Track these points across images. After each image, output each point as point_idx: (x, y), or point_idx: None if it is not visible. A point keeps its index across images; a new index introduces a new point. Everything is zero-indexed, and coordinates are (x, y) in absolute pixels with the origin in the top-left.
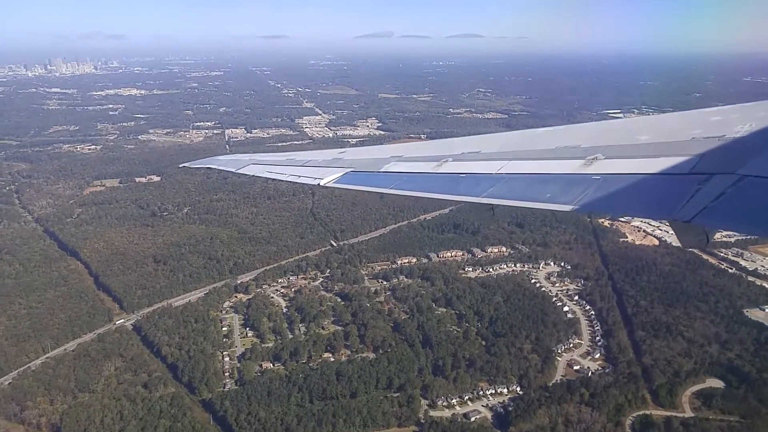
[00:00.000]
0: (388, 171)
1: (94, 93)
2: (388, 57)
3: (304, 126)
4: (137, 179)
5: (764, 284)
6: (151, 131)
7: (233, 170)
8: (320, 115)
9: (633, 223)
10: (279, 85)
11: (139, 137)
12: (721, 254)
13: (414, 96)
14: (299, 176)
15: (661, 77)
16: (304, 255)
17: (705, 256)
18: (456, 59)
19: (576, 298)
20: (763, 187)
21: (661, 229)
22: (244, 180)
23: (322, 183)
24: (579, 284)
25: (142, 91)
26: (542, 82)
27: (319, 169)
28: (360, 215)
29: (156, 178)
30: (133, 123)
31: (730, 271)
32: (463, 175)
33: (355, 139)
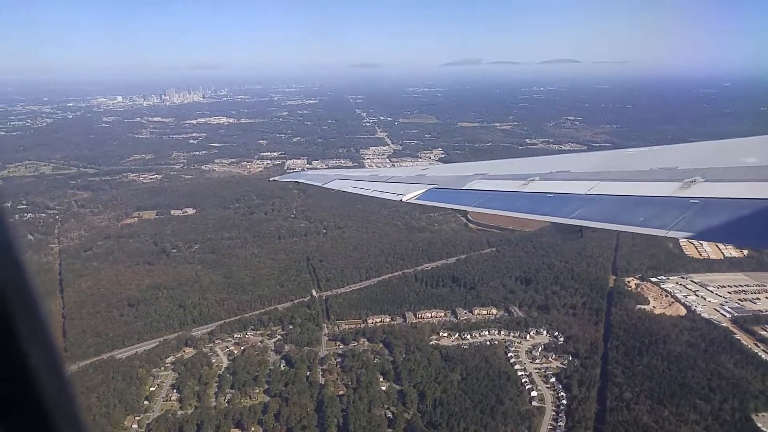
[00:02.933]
0: (471, 189)
1: (188, 121)
2: (485, 83)
3: (366, 157)
4: (173, 212)
5: None
6: (216, 161)
7: (320, 184)
8: (388, 145)
9: (665, 286)
10: (364, 114)
11: (203, 167)
12: (763, 332)
13: (496, 124)
14: (383, 192)
15: None
16: (274, 307)
17: (740, 334)
18: (557, 84)
19: (553, 380)
20: None
21: (697, 295)
22: (278, 214)
23: (404, 199)
24: (564, 362)
25: (231, 120)
26: (641, 110)
27: (402, 185)
28: (356, 261)
29: (191, 211)
30: (205, 152)
31: (762, 356)
32: (551, 195)
33: None
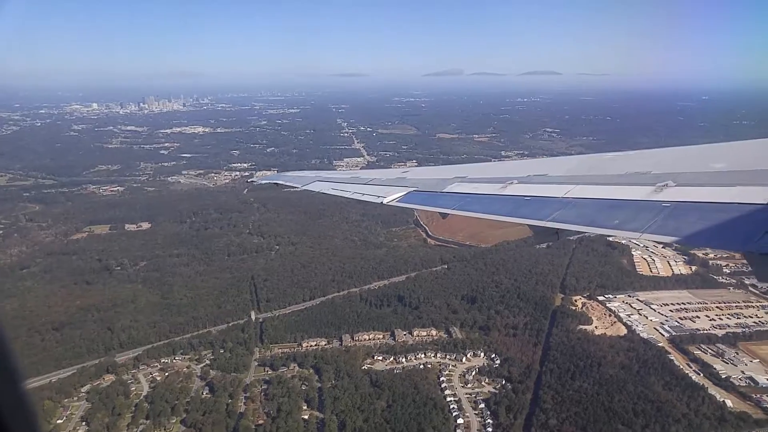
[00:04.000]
0: (451, 191)
1: (162, 131)
2: (470, 93)
3: (339, 169)
4: (127, 226)
5: (727, 401)
6: (184, 172)
7: (299, 186)
8: (363, 156)
9: (611, 305)
10: (344, 124)
11: (169, 178)
12: (698, 350)
13: (474, 136)
14: (363, 194)
15: (757, 116)
16: (208, 330)
17: (674, 354)
18: (541, 95)
19: (482, 406)
20: None
21: (640, 313)
22: (233, 230)
23: (385, 201)
24: (497, 386)
25: (207, 129)
26: (619, 121)
27: (383, 188)
28: (302, 280)
29: (146, 226)
30: (174, 163)
31: (693, 378)
32: (529, 198)
33: None
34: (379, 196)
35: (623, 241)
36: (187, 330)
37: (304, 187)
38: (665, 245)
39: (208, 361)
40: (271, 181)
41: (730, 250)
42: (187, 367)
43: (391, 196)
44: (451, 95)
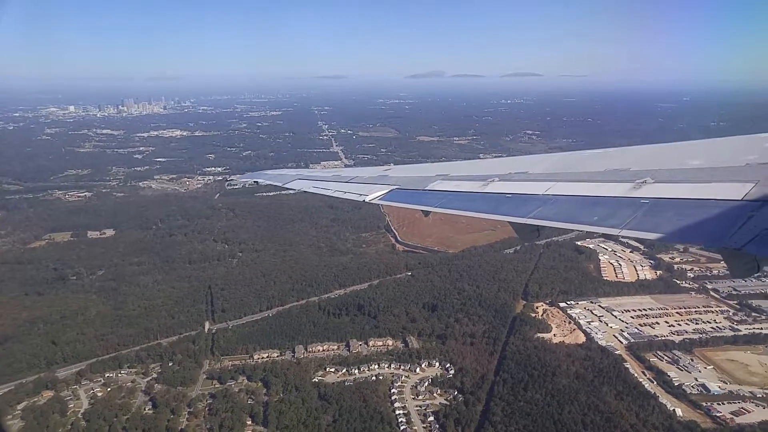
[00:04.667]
0: (433, 189)
1: (139, 134)
2: (453, 95)
3: None
4: (90, 233)
5: (678, 410)
6: (156, 177)
7: (280, 184)
8: (340, 160)
9: (572, 311)
10: (325, 126)
11: (140, 183)
12: (655, 358)
13: (454, 139)
14: (345, 192)
15: (736, 118)
16: (158, 342)
17: (631, 362)
18: (525, 97)
19: (431, 419)
20: None
21: (601, 320)
22: (198, 236)
23: (367, 199)
24: (449, 398)
25: (185, 132)
26: (599, 124)
27: (365, 186)
28: (260, 289)
29: (110, 232)
30: (147, 167)
31: (646, 386)
32: (510, 195)
33: None
34: (361, 194)
35: (591, 246)
36: (137, 342)
37: (286, 185)
38: (633, 249)
39: (155, 375)
40: (251, 180)
41: (706, 245)
42: (131, 382)
43: (373, 194)
44: (435, 97)
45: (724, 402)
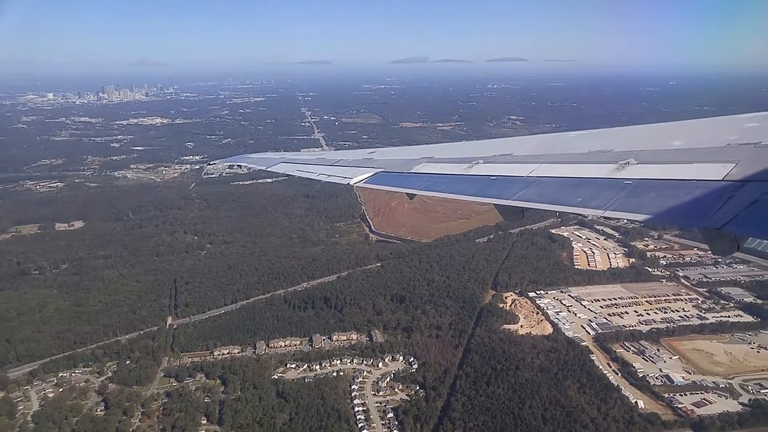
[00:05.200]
0: (418, 172)
1: (118, 122)
2: (440, 80)
3: None
4: (58, 225)
5: (640, 402)
6: (132, 166)
7: (264, 168)
8: (321, 147)
9: (541, 301)
10: (308, 113)
11: (115, 173)
12: (621, 348)
13: (438, 124)
14: (329, 176)
15: (720, 101)
16: (116, 339)
17: (597, 353)
18: (511, 81)
19: (390, 416)
20: None
21: (570, 310)
22: (168, 228)
23: (352, 183)
24: (410, 393)
25: (166, 120)
26: (584, 108)
27: (350, 169)
28: (226, 283)
29: (79, 224)
30: (124, 156)
31: (610, 378)
32: (494, 178)
33: None
34: (345, 177)
35: (565, 233)
36: (95, 339)
37: (269, 169)
38: (607, 237)
39: (110, 374)
40: (235, 163)
41: (687, 225)
42: (85, 381)
43: (358, 177)
44: (421, 82)
45: (687, 393)
